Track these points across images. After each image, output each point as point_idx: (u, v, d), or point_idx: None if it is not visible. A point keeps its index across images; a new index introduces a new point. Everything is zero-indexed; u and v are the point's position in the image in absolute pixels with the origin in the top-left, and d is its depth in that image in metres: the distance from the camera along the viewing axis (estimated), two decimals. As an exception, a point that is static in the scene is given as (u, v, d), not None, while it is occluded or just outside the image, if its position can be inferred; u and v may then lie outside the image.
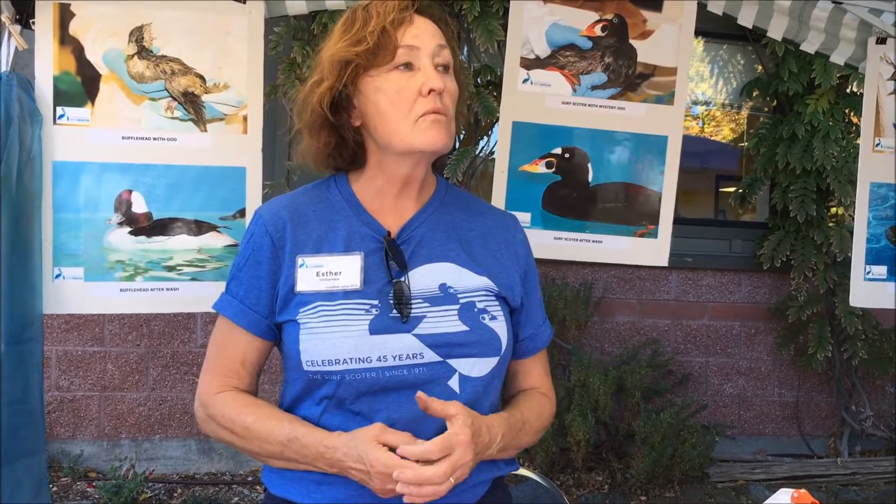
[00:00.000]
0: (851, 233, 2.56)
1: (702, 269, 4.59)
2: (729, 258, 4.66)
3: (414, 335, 1.27)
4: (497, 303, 1.35)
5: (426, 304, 1.30)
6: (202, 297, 2.10)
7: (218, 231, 2.12)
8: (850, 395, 4.62)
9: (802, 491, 1.45)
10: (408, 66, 1.27)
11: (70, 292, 2.05)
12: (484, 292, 1.34)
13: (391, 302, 1.29)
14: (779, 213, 4.48)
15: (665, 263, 2.47)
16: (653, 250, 2.46)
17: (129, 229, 2.08)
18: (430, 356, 1.27)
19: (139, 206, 2.08)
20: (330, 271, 1.30)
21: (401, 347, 1.26)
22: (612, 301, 4.50)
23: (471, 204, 1.46)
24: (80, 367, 3.99)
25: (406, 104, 1.27)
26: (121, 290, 2.08)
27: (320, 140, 1.35)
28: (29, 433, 1.93)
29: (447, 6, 3.64)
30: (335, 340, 1.25)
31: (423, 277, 1.32)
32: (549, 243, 2.42)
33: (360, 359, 1.25)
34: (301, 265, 1.31)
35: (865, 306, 2.60)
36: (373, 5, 1.28)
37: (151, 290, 2.09)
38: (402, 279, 1.30)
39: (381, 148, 1.33)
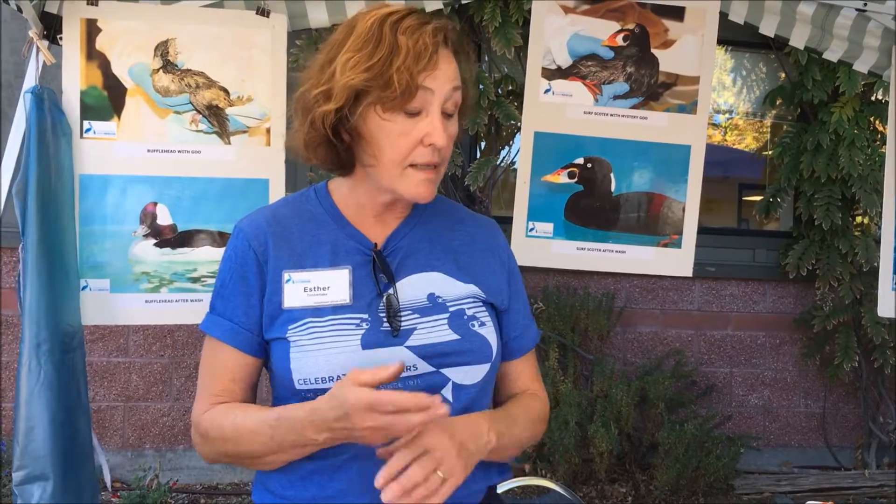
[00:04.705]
0: (877, 242, 2.53)
1: (725, 278, 4.56)
2: (753, 268, 4.62)
3: (406, 347, 1.26)
4: (485, 309, 1.34)
5: (416, 315, 1.28)
6: (226, 308, 2.12)
7: (242, 242, 2.13)
8: (878, 406, 4.56)
9: (830, 504, 1.43)
10: (417, 111, 1.22)
11: (96, 304, 2.07)
12: (472, 299, 1.33)
13: (381, 315, 1.27)
14: (803, 223, 4.44)
15: (689, 273, 2.46)
16: (676, 260, 2.45)
17: (154, 241, 2.10)
18: (424, 367, 1.26)
19: (164, 218, 2.10)
20: (318, 286, 1.28)
21: (394, 360, 1.22)
22: (634, 311, 4.47)
23: (451, 211, 1.44)
24: (104, 377, 4.02)
25: (404, 149, 1.23)
26: (146, 301, 2.11)
27: (318, 155, 1.30)
28: (84, 438, 1.98)
29: (467, 18, 3.66)
30: (328, 357, 1.23)
31: (412, 288, 1.30)
32: (571, 253, 2.42)
33: None
34: (287, 280, 1.28)
35: (894, 317, 2.56)
36: (401, 34, 1.20)
37: (176, 301, 2.11)
38: (391, 291, 1.29)
39: (367, 172, 1.29)
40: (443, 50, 1.23)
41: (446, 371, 1.27)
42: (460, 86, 1.26)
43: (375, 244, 1.32)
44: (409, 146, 1.23)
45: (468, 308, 1.31)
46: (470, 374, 1.29)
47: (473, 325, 1.30)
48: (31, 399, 1.83)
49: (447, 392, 1.28)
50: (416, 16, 1.23)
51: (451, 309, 1.30)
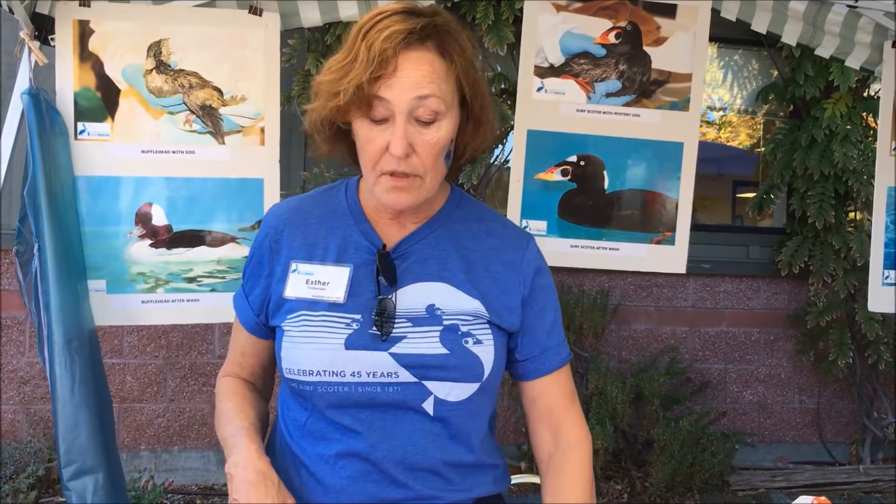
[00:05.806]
0: (870, 237, 2.54)
1: (719, 275, 4.57)
2: (747, 264, 4.64)
3: (390, 354, 1.24)
4: (487, 327, 1.29)
5: (408, 324, 1.26)
6: (222, 308, 2.12)
7: (237, 242, 2.14)
8: (872, 401, 4.58)
9: (822, 498, 1.44)
10: (382, 119, 1.20)
11: (93, 305, 2.07)
12: (473, 317, 1.28)
13: (374, 318, 1.26)
14: (797, 219, 4.45)
15: (682, 270, 2.46)
16: (670, 257, 2.46)
17: (149, 242, 2.10)
18: (406, 376, 1.24)
19: (159, 218, 2.10)
20: (319, 280, 1.29)
21: (375, 365, 1.24)
22: (629, 308, 4.49)
23: (482, 220, 1.38)
24: (100, 378, 4.02)
25: (372, 157, 1.21)
26: (142, 301, 2.11)
27: (320, 149, 1.33)
28: (112, 433, 2.00)
29: (459, 16, 3.66)
30: (311, 351, 1.24)
31: (412, 296, 1.28)
32: (565, 251, 2.42)
33: (333, 372, 1.23)
34: (294, 270, 1.31)
35: (884, 311, 2.58)
36: (363, 39, 1.16)
37: (172, 301, 2.12)
38: (390, 296, 1.27)
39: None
40: (413, 53, 1.18)
41: (429, 384, 1.25)
42: (432, 94, 1.19)
43: (384, 245, 1.31)
44: (376, 153, 1.21)
45: (464, 324, 1.27)
46: (455, 391, 1.26)
47: (467, 343, 1.27)
48: (71, 396, 1.85)
49: (428, 405, 1.26)
50: (393, 18, 1.18)
51: (445, 322, 1.27)
